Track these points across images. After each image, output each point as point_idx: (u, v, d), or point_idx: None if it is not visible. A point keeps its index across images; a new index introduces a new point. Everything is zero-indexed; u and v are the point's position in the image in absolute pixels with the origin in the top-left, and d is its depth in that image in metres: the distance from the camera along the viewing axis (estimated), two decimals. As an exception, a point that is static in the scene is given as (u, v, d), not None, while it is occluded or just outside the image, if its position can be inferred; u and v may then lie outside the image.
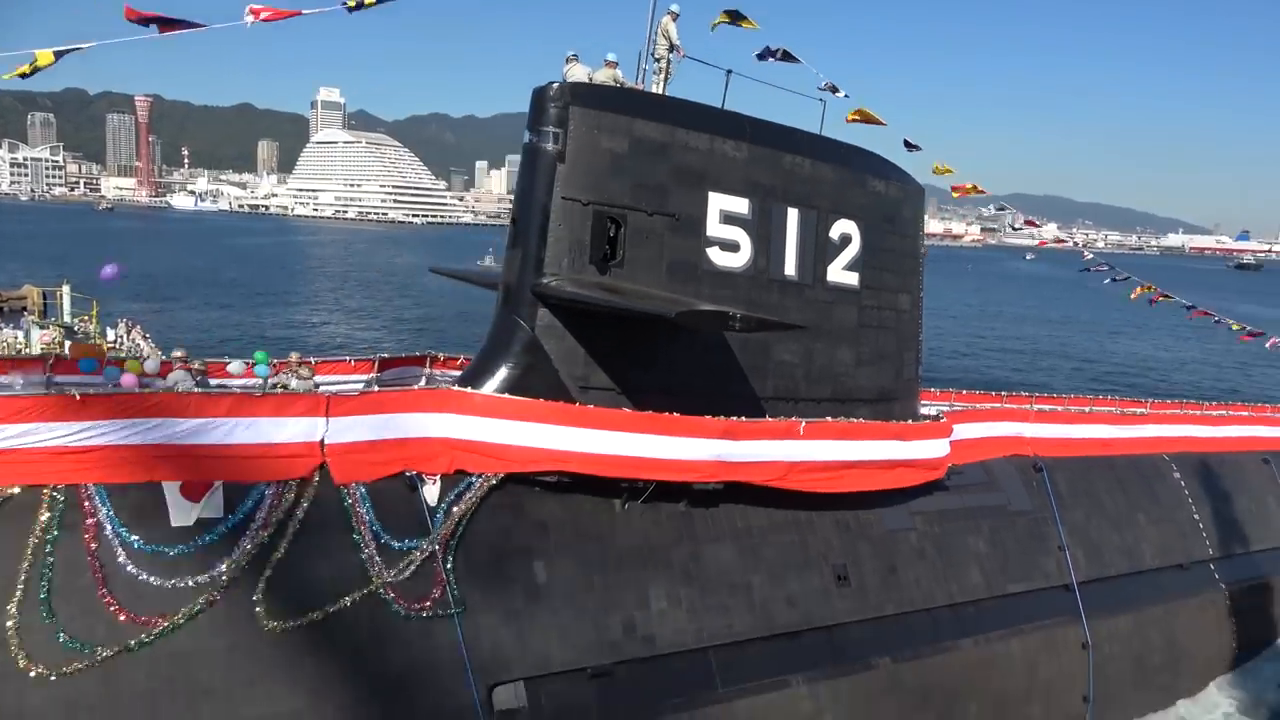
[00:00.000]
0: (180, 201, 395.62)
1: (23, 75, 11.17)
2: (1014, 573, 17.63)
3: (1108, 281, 24.11)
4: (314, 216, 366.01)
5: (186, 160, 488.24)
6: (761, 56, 16.84)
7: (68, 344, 25.14)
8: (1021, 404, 21.42)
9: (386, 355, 16.35)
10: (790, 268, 15.75)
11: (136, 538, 10.11)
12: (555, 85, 13.83)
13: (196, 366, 12.83)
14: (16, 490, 9.82)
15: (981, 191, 21.14)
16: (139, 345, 29.53)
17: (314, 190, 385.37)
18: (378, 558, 11.29)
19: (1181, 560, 20.70)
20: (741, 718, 13.34)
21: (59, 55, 11.31)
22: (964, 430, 17.61)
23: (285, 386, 12.90)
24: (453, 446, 12.39)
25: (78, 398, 10.25)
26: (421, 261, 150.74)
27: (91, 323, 32.90)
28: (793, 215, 15.71)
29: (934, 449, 16.28)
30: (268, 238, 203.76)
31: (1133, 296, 24.81)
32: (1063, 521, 18.78)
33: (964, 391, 22.31)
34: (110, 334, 31.47)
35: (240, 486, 10.96)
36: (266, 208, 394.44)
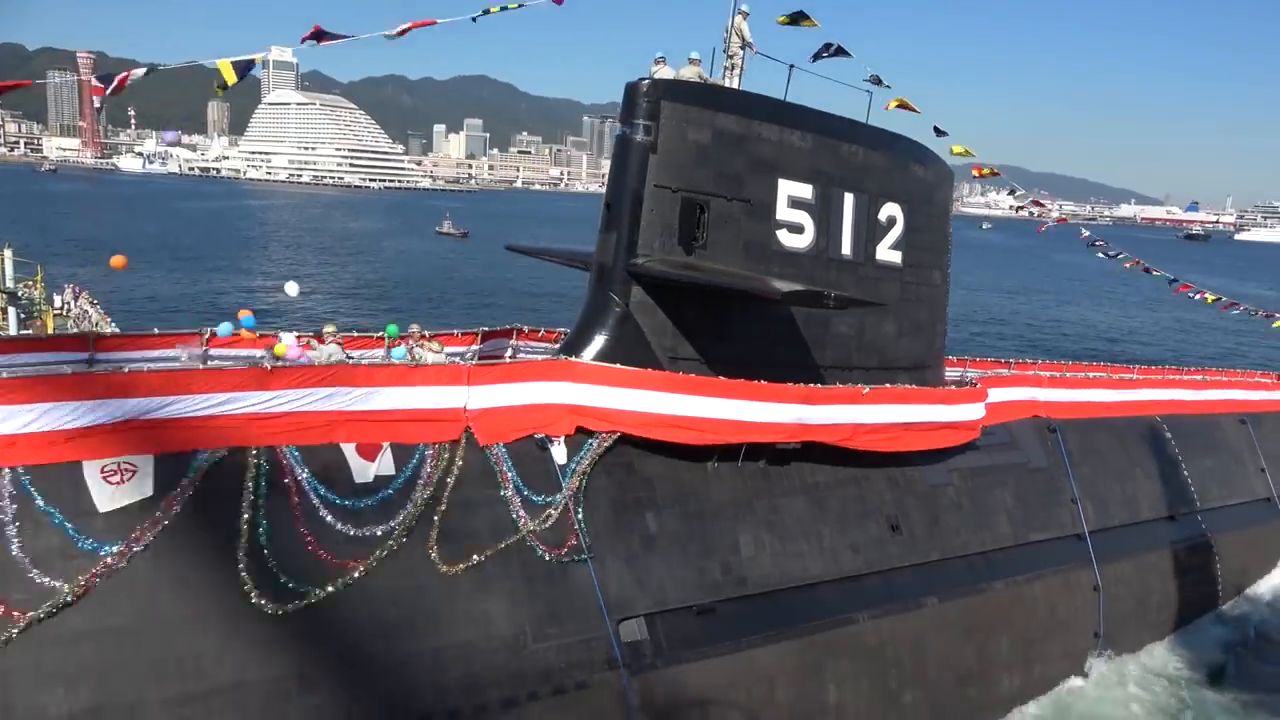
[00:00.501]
0: (127, 163, 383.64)
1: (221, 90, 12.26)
2: (1034, 523, 19.64)
3: (1101, 256, 26.06)
4: (267, 180, 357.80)
5: (133, 121, 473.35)
6: (817, 54, 18.21)
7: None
8: (1028, 370, 23.47)
9: (487, 329, 17.65)
10: (846, 248, 17.36)
11: (328, 493, 11.46)
12: (647, 82, 15.18)
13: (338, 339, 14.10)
14: (225, 452, 11.09)
15: (998, 174, 22.86)
16: (86, 311, 28.99)
17: (267, 153, 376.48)
18: (522, 510, 12.77)
19: (1173, 512, 22.94)
20: (819, 649, 15.13)
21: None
22: (992, 395, 19.46)
23: (420, 359, 14.16)
24: (573, 411, 13.86)
25: (269, 369, 11.53)
26: (381, 227, 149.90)
27: (36, 288, 31.58)
28: (848, 199, 17.29)
29: (972, 412, 18.12)
30: (220, 201, 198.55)
31: (1126, 267, 26.80)
32: (1075, 477, 20.84)
33: (975, 359, 24.24)
34: (57, 300, 30.61)
35: (405, 448, 12.35)
36: (218, 171, 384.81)
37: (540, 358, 16.79)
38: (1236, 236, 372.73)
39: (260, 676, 10.30)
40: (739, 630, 14.33)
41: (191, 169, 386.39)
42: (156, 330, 14.22)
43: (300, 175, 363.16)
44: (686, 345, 15.65)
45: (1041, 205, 26.99)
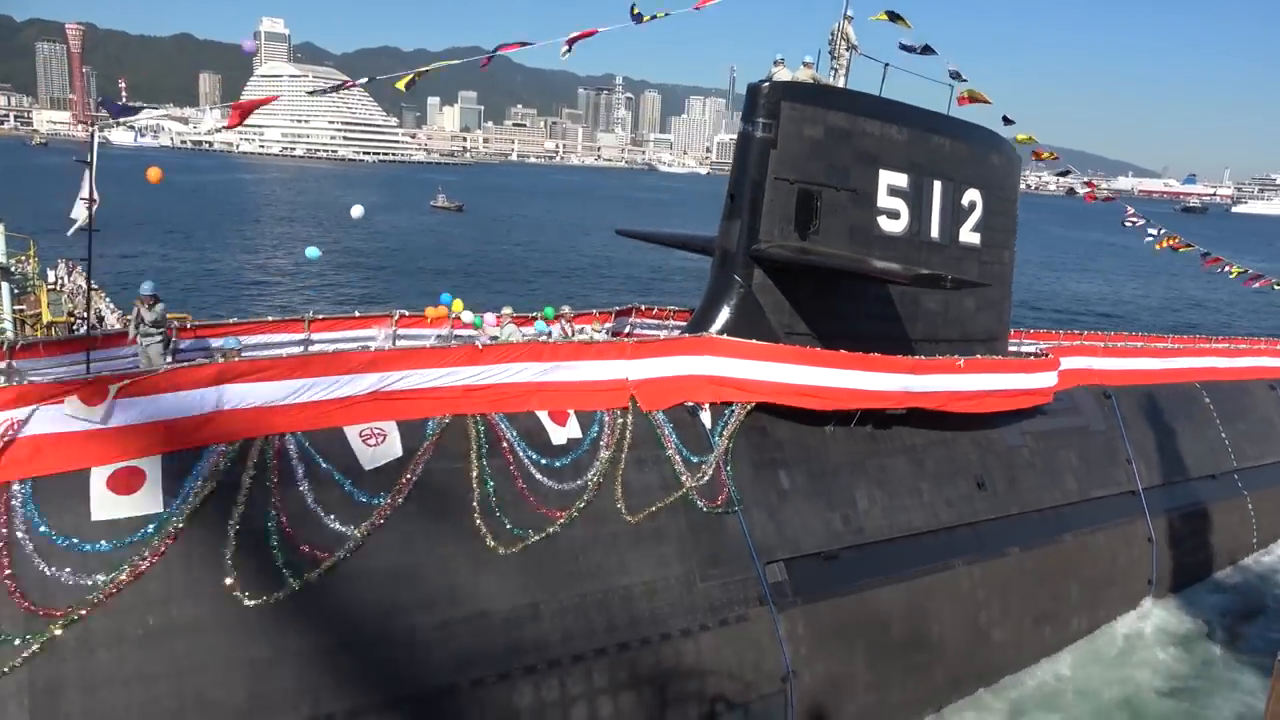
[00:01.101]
0: (118, 137, 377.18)
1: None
2: (1096, 481, 21.58)
3: (1146, 238, 27.79)
4: (260, 153, 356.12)
5: (124, 93, 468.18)
6: (907, 49, 19.79)
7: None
8: (1076, 340, 25.36)
9: (621, 307, 19.43)
10: (935, 231, 19.11)
11: (534, 454, 13.26)
12: (768, 84, 16.83)
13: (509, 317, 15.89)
14: (449, 419, 12.84)
15: (1056, 157, 24.55)
16: (81, 287, 27.93)
17: (259, 126, 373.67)
18: (683, 468, 14.59)
19: (1213, 471, 24.93)
20: (923, 592, 17.07)
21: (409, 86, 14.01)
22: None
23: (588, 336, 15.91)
24: (715, 381, 15.62)
25: (480, 346, 13.28)
26: (375, 201, 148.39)
27: (30, 263, 31.05)
28: (937, 187, 19.02)
29: (1047, 380, 19.96)
30: (213, 175, 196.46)
31: (1158, 247, 28.51)
32: (1129, 439, 22.77)
33: (1030, 330, 26.06)
34: (50, 275, 30.31)
35: (586, 414, 14.13)
36: (210, 144, 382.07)
37: (662, 335, 18.59)
38: (1233, 209, 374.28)
39: (499, 607, 12.15)
40: (859, 574, 16.24)
41: (184, 142, 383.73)
42: (357, 313, 15.92)
43: (293, 149, 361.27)
44: (800, 321, 17.43)
45: (1093, 185, 28.68)
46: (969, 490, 18.76)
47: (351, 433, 12.04)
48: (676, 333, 18.78)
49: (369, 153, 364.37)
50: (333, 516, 11.34)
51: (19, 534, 9.67)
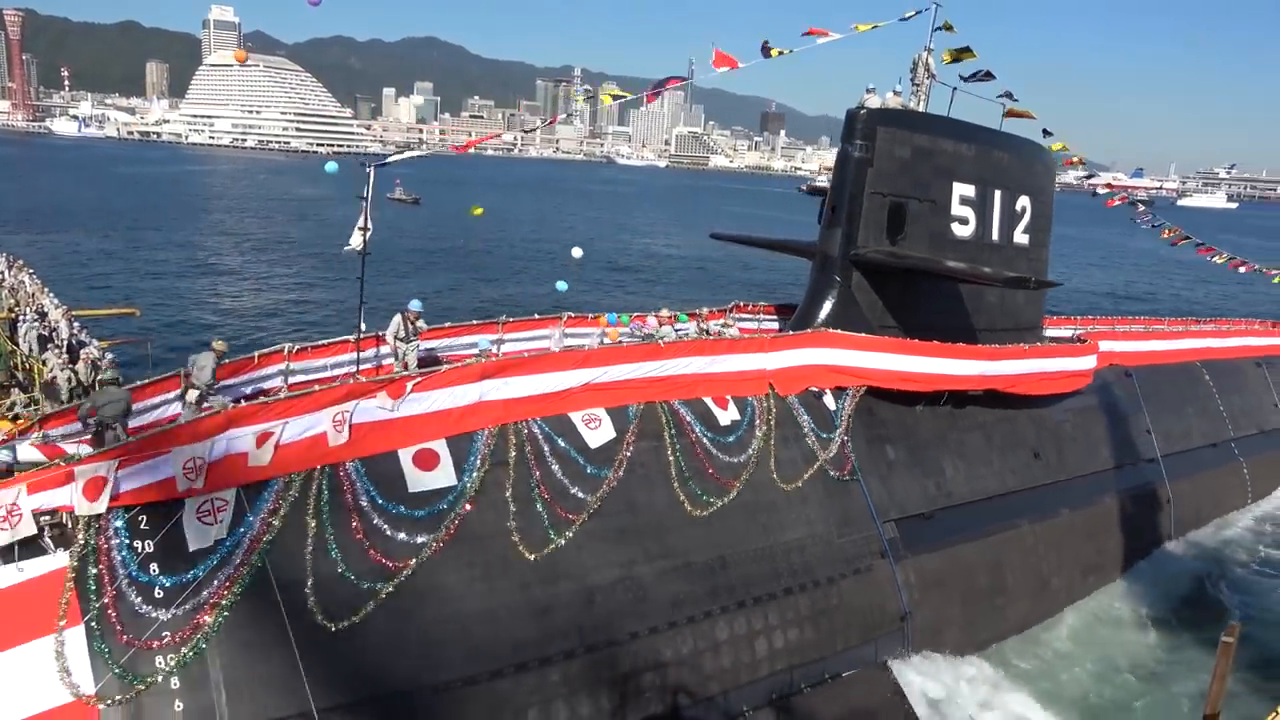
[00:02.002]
0: (61, 126, 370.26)
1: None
2: (1124, 451, 24.73)
3: (1146, 227, 31.03)
4: (210, 145, 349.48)
5: (67, 82, 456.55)
6: (971, 76, 22.51)
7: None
8: (1092, 325, 28.52)
9: (740, 302, 22.03)
10: (995, 234, 21.95)
11: (709, 433, 15.77)
12: (865, 111, 19.47)
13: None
14: (643, 405, 15.28)
15: (1083, 162, 27.59)
16: (23, 281, 27.50)
17: (209, 117, 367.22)
18: (817, 444, 17.22)
19: (1215, 440, 28.31)
20: (998, 547, 19.96)
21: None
22: (1091, 348, 24.34)
23: (716, 334, 18.41)
24: (833, 370, 18.23)
25: (662, 344, 15.74)
26: (331, 194, 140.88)
27: None
28: (997, 195, 21.84)
29: (1090, 362, 22.94)
30: (162, 167, 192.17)
31: (1164, 235, 31.72)
32: (1148, 413, 25.94)
33: (1051, 316, 29.13)
34: None
35: (740, 399, 16.67)
36: (158, 135, 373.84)
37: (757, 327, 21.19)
38: (1179, 202, 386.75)
39: (697, 558, 14.68)
40: (950, 532, 19.06)
41: (130, 133, 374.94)
42: (536, 315, 18.29)
43: (245, 140, 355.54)
44: (889, 316, 20.15)
45: (1112, 187, 31.92)
46: (1028, 460, 21.71)
47: (576, 418, 14.45)
48: (770, 326, 21.47)
49: (323, 144, 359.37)
50: (576, 488, 13.76)
51: (362, 503, 11.95)
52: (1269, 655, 19.59)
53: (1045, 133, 25.23)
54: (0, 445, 11.28)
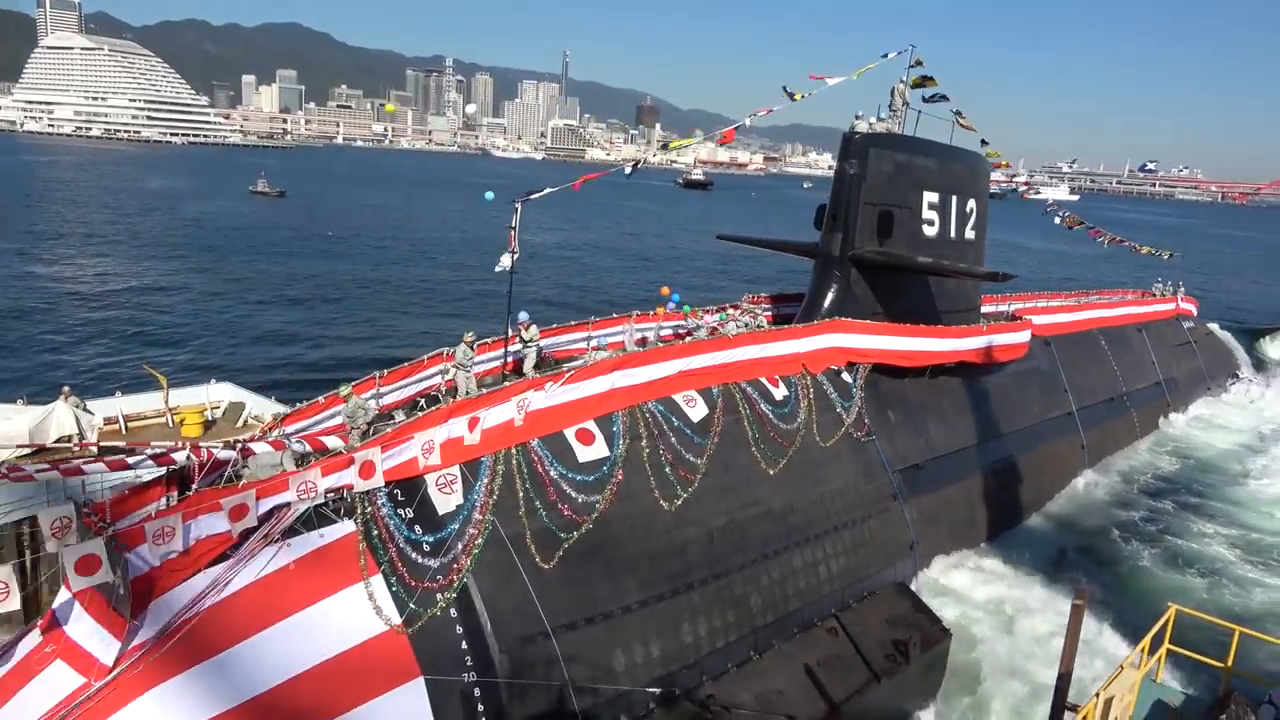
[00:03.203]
0: None
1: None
2: (1049, 406, 29.98)
3: (1056, 220, 36.68)
4: (49, 134, 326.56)
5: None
6: (928, 99, 26.86)
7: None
8: (1018, 301, 33.82)
9: (777, 293, 25.83)
10: (953, 233, 26.47)
11: (769, 407, 19.45)
12: (858, 135, 23.52)
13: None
14: (720, 387, 18.80)
15: (1009, 165, 32.63)
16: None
17: (47, 103, 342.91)
18: (842, 411, 21.18)
19: (1111, 395, 34.11)
20: (969, 488, 24.54)
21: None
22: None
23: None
24: (845, 351, 22.22)
25: (732, 336, 19.31)
26: (185, 186, 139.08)
27: None
28: (954, 200, 26.36)
29: (1026, 336, 27.86)
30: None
31: (1058, 221, 37.40)
32: (1065, 375, 31.30)
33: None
34: None
35: (785, 378, 20.43)
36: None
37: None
38: (1027, 195, 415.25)
39: (774, 506, 18.34)
40: (937, 478, 23.46)
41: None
42: (615, 314, 21.48)
43: (89, 129, 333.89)
44: (878, 304, 24.32)
45: (1029, 185, 37.27)
46: (985, 418, 26.43)
47: (679, 399, 17.85)
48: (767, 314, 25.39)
49: (177, 134, 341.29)
50: (689, 454, 17.19)
51: (551, 473, 15.04)
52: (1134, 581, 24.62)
53: (983, 142, 30.07)
54: (293, 438, 13.82)
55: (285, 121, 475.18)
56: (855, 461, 21.04)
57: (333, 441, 14.18)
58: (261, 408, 23.15)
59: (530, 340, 18.29)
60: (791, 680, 16.15)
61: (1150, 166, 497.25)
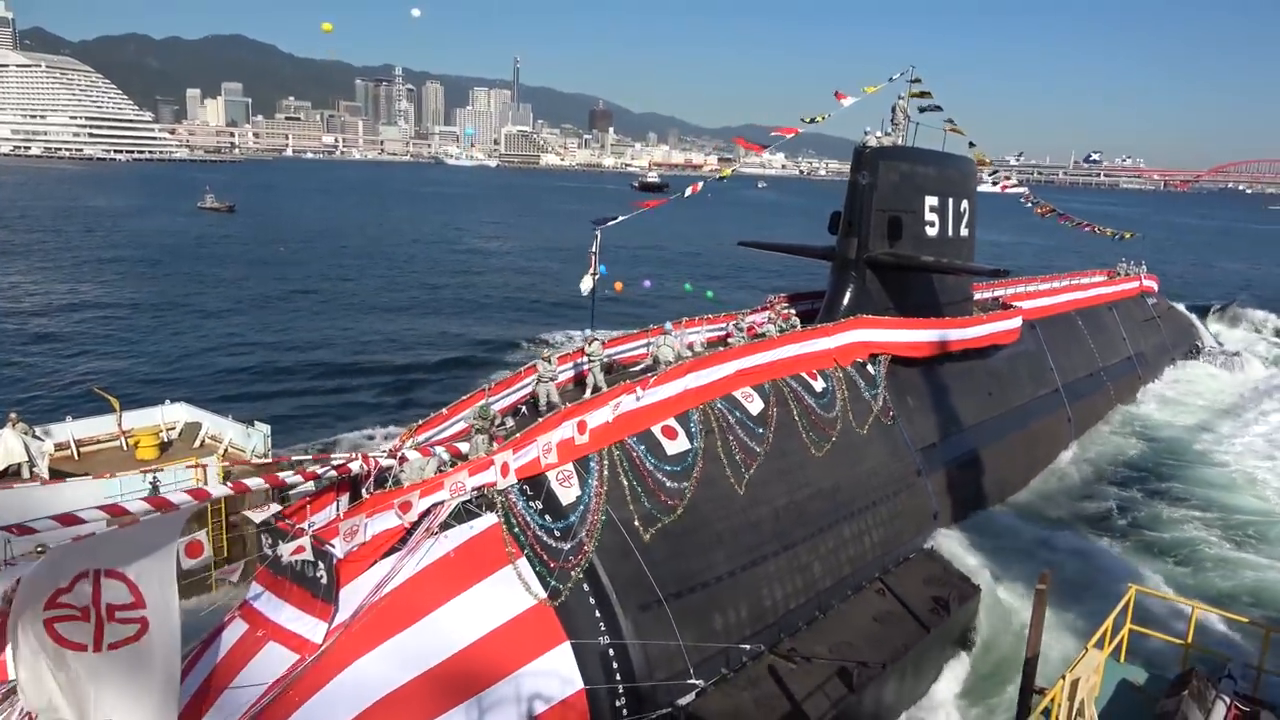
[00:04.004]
0: None
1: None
2: (1038, 384, 32.89)
3: (1028, 205, 39.67)
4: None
5: None
6: (924, 109, 29.51)
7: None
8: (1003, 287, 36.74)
9: (794, 292, 28.25)
10: (950, 232, 29.16)
11: (812, 398, 21.86)
12: (869, 149, 26.08)
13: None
14: (770, 383, 21.18)
15: (992, 164, 35.46)
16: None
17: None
18: (869, 398, 23.69)
19: (1089, 371, 37.19)
20: (975, 462, 27.20)
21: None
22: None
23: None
24: (867, 345, 24.74)
25: (776, 336, 21.69)
26: (130, 204, 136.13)
27: None
28: (950, 202, 29.05)
29: (1018, 322, 30.68)
30: None
31: (1037, 212, 40.44)
32: (1050, 355, 34.24)
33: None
34: None
35: (823, 371, 22.86)
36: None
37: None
38: (979, 188, 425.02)
39: (823, 486, 20.76)
40: (950, 455, 26.11)
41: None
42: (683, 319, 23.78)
43: (28, 148, 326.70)
44: (889, 300, 26.91)
45: (1007, 180, 40.18)
46: (985, 398, 29.20)
47: (739, 395, 20.19)
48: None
49: (120, 150, 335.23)
50: (752, 443, 19.54)
51: (647, 465, 17.27)
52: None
53: (970, 144, 32.85)
54: (433, 447, 15.90)
55: (233, 135, 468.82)
56: (884, 443, 23.56)
57: (464, 446, 16.28)
58: (219, 427, 24.05)
59: (593, 355, 20.46)
60: (856, 633, 18.58)
61: (1095, 157, 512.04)
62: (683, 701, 15.46)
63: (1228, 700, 12.32)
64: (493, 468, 15.24)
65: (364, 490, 14.77)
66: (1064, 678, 11.63)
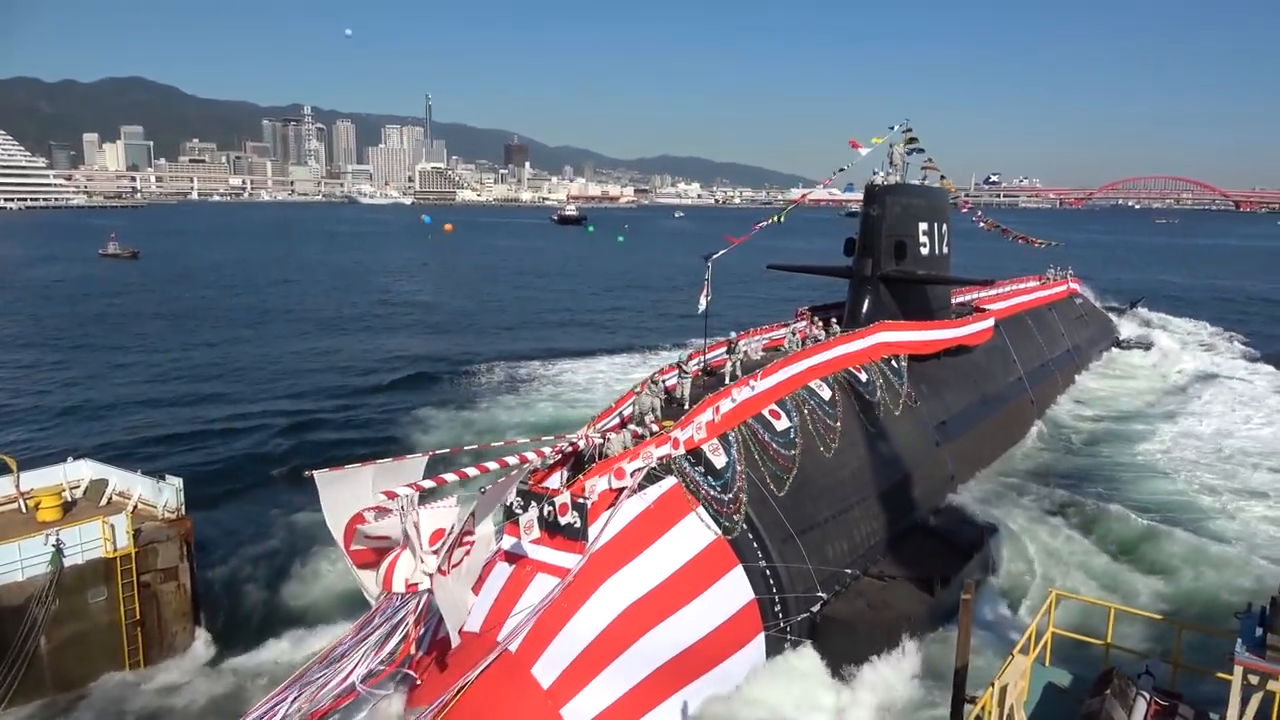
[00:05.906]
0: None
1: None
2: (1008, 374, 39.26)
3: (981, 225, 46.47)
4: None
5: None
6: (910, 151, 35.57)
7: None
8: (965, 294, 43.21)
9: (813, 305, 33.59)
10: (936, 250, 35.24)
11: (859, 388, 27.28)
12: (878, 185, 31.96)
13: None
14: (828, 376, 26.54)
15: (955, 189, 41.91)
16: None
17: None
18: (899, 388, 29.26)
19: (1041, 362, 43.97)
20: (973, 437, 33.10)
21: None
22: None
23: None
24: (888, 345, 30.36)
25: (828, 339, 27.13)
26: (25, 253, 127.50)
27: None
28: (936, 226, 35.15)
29: (993, 322, 36.92)
30: None
31: (982, 226, 47.34)
32: (1012, 349, 40.74)
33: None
34: None
35: (864, 366, 28.36)
36: None
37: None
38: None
39: (876, 458, 26.13)
40: (955, 430, 31.88)
41: None
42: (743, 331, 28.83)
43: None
44: (897, 308, 32.69)
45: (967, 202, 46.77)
46: (973, 385, 35.26)
47: (813, 385, 25.44)
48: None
49: (12, 199, 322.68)
50: (828, 421, 24.79)
51: (766, 438, 22.28)
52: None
53: (941, 177, 39.18)
54: (620, 429, 20.65)
55: (134, 180, 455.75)
56: (912, 422, 29.16)
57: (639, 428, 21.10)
58: (127, 483, 22.69)
59: (735, 351, 25.50)
60: (922, 560, 23.83)
61: (994, 179, 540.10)
62: (814, 609, 20.49)
63: (1148, 696, 12.48)
64: (667, 443, 20.09)
65: (586, 461, 19.43)
66: (993, 684, 11.85)
